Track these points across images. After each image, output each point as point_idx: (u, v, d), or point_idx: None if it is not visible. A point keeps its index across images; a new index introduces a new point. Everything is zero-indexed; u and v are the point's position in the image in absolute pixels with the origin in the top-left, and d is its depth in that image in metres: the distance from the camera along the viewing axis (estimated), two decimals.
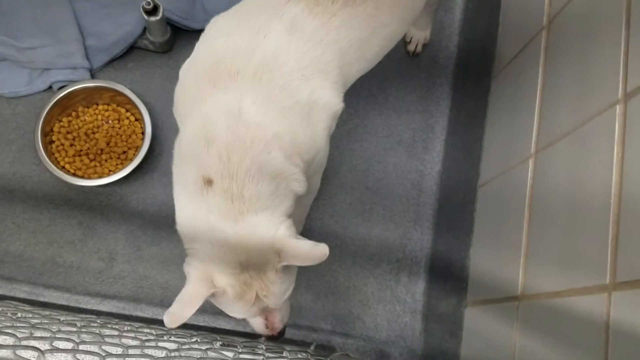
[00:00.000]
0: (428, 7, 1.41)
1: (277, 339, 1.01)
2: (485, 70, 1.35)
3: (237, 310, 0.91)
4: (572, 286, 0.77)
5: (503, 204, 1.11)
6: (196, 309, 0.82)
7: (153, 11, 1.35)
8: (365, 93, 1.55)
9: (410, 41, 1.56)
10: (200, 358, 0.94)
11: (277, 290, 0.89)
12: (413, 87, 1.56)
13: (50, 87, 1.47)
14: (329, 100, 0.93)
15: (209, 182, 0.83)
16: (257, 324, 0.98)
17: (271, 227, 0.85)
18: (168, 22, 1.45)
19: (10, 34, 1.43)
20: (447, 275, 1.35)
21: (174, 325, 0.81)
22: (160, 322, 0.94)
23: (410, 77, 1.57)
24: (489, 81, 1.32)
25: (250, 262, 0.85)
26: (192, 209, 0.86)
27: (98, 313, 1.36)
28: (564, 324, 0.78)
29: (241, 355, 0.99)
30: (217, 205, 0.83)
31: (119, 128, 1.46)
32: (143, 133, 1.44)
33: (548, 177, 0.93)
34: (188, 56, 1.53)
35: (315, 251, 0.83)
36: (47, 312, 1.18)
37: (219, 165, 0.83)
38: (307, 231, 1.43)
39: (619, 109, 0.75)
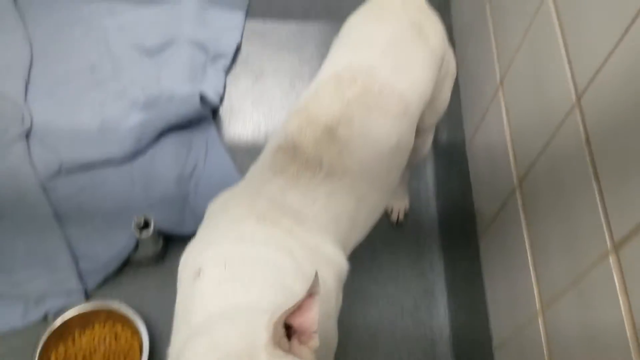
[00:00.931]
0: (401, 179, 1.50)
1: None
2: (469, 229, 1.39)
3: None
4: None
5: None
6: None
7: (145, 226, 1.40)
8: (358, 267, 1.55)
9: (391, 211, 1.62)
10: None
11: None
12: (404, 254, 1.59)
13: (45, 316, 1.45)
14: (335, 257, 0.93)
15: None
16: None
17: None
18: (159, 233, 1.50)
19: (4, 268, 1.45)
20: None
21: None
22: None
23: (399, 246, 1.60)
24: (477, 241, 1.35)
25: None
26: None
27: None
28: None
29: None
30: None
31: (116, 347, 1.42)
32: (141, 347, 1.40)
33: (562, 331, 0.92)
34: (179, 260, 1.56)
35: None
36: None
37: None
38: None
39: (612, 259, 0.77)
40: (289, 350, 0.67)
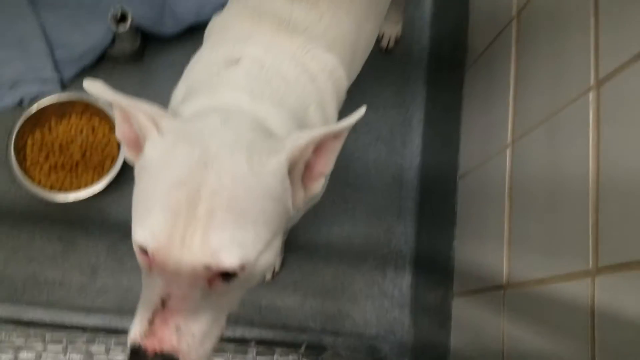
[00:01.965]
0: (397, 1, 1.42)
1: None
2: (458, 62, 1.36)
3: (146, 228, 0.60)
4: (555, 273, 0.78)
5: (484, 194, 1.12)
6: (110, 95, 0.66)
7: (122, 20, 1.33)
8: None
9: (382, 37, 1.56)
10: None
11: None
12: (388, 82, 1.57)
13: (20, 102, 1.44)
14: (342, 82, 0.90)
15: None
16: (141, 306, 0.62)
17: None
18: (137, 30, 1.43)
19: None
20: (433, 268, 1.36)
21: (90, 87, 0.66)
22: None
23: (385, 74, 1.57)
24: (463, 73, 1.33)
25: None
26: None
27: (83, 328, 1.34)
28: (550, 310, 0.79)
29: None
30: None
31: (94, 139, 1.44)
32: (119, 143, 1.42)
33: (526, 166, 0.94)
34: (160, 64, 1.52)
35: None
36: (32, 331, 1.15)
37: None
38: (290, 232, 1.43)
39: (592, 95, 0.76)
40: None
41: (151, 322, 0.60)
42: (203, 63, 0.83)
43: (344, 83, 0.91)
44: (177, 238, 0.57)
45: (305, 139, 0.63)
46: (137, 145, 0.67)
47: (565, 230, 0.78)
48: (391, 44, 1.57)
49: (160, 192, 0.59)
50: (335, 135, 0.66)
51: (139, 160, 0.66)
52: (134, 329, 0.62)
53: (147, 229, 0.59)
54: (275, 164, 0.62)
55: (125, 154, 0.70)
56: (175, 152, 0.61)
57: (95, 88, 0.66)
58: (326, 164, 0.68)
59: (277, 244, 0.66)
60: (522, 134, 0.97)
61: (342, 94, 0.92)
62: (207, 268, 0.58)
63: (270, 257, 0.64)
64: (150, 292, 0.61)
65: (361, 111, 0.67)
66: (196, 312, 0.60)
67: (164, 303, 0.59)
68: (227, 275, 0.61)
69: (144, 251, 0.60)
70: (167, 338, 0.59)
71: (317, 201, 0.96)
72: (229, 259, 0.58)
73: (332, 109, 0.88)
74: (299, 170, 0.66)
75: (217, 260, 0.58)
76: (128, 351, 0.61)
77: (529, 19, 1.02)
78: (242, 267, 0.60)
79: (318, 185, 0.69)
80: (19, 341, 0.95)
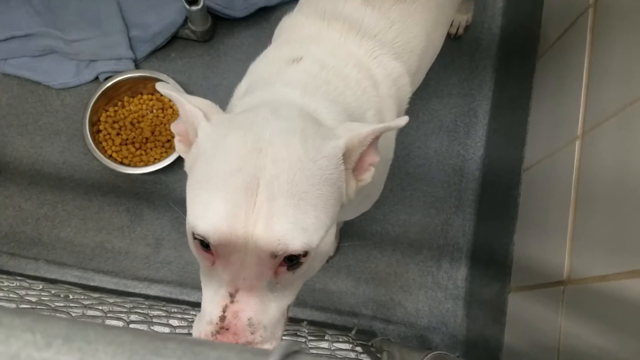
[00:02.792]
0: None
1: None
2: (529, 51, 1.32)
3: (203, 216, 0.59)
4: (619, 270, 0.75)
5: (548, 188, 1.08)
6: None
7: (194, 1, 1.37)
8: None
9: (452, 23, 1.53)
10: None
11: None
12: (455, 70, 1.54)
13: (96, 78, 1.51)
14: (406, 89, 0.89)
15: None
16: (209, 302, 0.61)
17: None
18: (209, 12, 1.47)
19: (58, 27, 1.48)
20: (490, 261, 1.33)
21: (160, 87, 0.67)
22: None
23: (452, 61, 1.54)
24: (534, 62, 1.29)
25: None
26: None
27: (145, 297, 1.41)
28: (611, 308, 0.76)
29: (283, 338, 0.99)
30: None
31: (163, 117, 1.50)
32: None
33: (595, 159, 0.90)
34: (229, 45, 1.56)
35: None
36: (97, 295, 1.22)
37: None
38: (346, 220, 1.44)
39: None
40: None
41: (222, 318, 0.58)
42: (267, 61, 0.84)
43: (408, 90, 0.90)
44: (240, 228, 0.56)
45: (368, 130, 0.63)
46: (188, 140, 0.68)
47: (632, 227, 0.74)
48: (460, 30, 1.53)
49: (217, 180, 0.58)
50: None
51: (189, 154, 0.66)
52: (200, 326, 0.60)
53: (208, 221, 0.57)
54: (331, 149, 0.62)
55: (178, 147, 0.70)
56: (228, 140, 0.60)
57: (163, 88, 0.67)
58: (374, 157, 0.67)
59: (333, 230, 0.65)
60: (592, 126, 0.93)
61: (404, 103, 0.92)
62: (274, 255, 0.58)
63: (328, 244, 0.64)
64: (216, 287, 0.60)
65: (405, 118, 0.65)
66: (265, 304, 0.60)
67: (232, 297, 0.58)
68: (292, 264, 0.60)
69: (205, 246, 0.60)
70: (242, 332, 0.58)
71: (376, 199, 0.96)
72: (295, 244, 0.57)
73: (392, 117, 0.86)
74: (354, 159, 0.66)
75: (283, 246, 0.57)
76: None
77: (606, 7, 0.97)
78: (306, 253, 0.59)
79: (368, 176, 0.68)
80: (87, 302, 1.01)
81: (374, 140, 0.65)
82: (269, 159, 0.58)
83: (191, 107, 0.64)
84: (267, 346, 0.60)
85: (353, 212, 0.96)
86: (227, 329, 0.58)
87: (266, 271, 0.59)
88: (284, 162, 0.58)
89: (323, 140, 0.62)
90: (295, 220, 0.57)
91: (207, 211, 0.57)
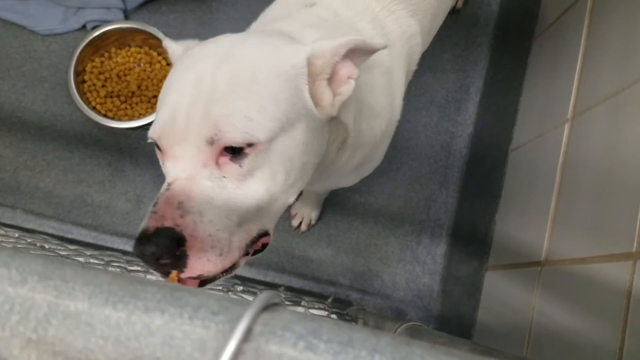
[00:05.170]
0: None
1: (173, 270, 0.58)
2: (526, 30, 1.30)
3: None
4: (597, 253, 0.76)
5: (534, 170, 1.08)
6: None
7: None
8: None
9: None
10: None
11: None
12: (450, 45, 1.52)
13: (84, 27, 1.47)
14: (417, 48, 0.88)
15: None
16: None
17: None
18: None
19: None
20: (470, 239, 1.34)
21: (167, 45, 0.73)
22: None
23: (448, 35, 1.52)
24: (530, 42, 1.28)
25: None
26: None
27: (124, 252, 1.39)
28: (585, 290, 0.77)
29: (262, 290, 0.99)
30: None
31: (151, 72, 1.47)
32: None
33: (583, 143, 0.90)
34: (221, 2, 1.52)
35: None
36: (75, 247, 1.21)
37: None
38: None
39: None
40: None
41: (155, 204, 0.56)
42: (279, 5, 0.82)
43: (418, 51, 0.89)
44: (181, 116, 0.57)
45: (341, 41, 0.61)
46: None
47: (613, 213, 0.75)
48: (460, 4, 1.51)
49: (171, 83, 0.61)
50: (365, 52, 0.63)
51: None
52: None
53: (157, 120, 0.60)
54: (292, 51, 0.61)
55: None
56: (193, 51, 0.63)
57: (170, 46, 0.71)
58: (353, 69, 0.64)
59: (299, 135, 0.61)
60: (583, 110, 0.92)
61: (414, 63, 0.90)
62: (210, 141, 0.56)
63: (290, 149, 0.61)
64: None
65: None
66: (205, 194, 0.57)
67: (169, 186, 0.57)
68: (235, 154, 0.57)
69: (159, 148, 0.60)
70: (169, 214, 0.55)
71: (378, 163, 0.95)
72: (232, 130, 0.56)
73: (400, 77, 0.85)
74: (327, 70, 0.63)
75: (218, 130, 0.56)
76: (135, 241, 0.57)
77: None
78: (250, 144, 0.57)
79: (348, 89, 0.64)
80: (64, 253, 1.00)
81: (353, 54, 0.63)
82: (225, 58, 0.60)
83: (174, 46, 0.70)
84: (200, 233, 0.56)
85: (355, 176, 0.94)
86: (156, 213, 0.56)
87: (205, 159, 0.57)
88: (232, 58, 0.60)
89: (286, 44, 0.62)
90: (233, 105, 0.56)
91: (159, 112, 0.60)
